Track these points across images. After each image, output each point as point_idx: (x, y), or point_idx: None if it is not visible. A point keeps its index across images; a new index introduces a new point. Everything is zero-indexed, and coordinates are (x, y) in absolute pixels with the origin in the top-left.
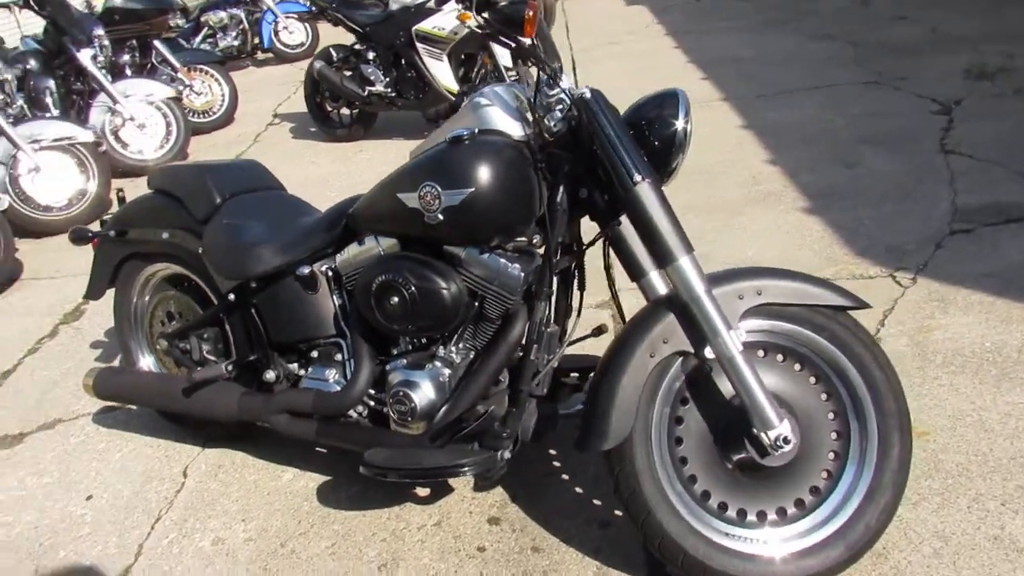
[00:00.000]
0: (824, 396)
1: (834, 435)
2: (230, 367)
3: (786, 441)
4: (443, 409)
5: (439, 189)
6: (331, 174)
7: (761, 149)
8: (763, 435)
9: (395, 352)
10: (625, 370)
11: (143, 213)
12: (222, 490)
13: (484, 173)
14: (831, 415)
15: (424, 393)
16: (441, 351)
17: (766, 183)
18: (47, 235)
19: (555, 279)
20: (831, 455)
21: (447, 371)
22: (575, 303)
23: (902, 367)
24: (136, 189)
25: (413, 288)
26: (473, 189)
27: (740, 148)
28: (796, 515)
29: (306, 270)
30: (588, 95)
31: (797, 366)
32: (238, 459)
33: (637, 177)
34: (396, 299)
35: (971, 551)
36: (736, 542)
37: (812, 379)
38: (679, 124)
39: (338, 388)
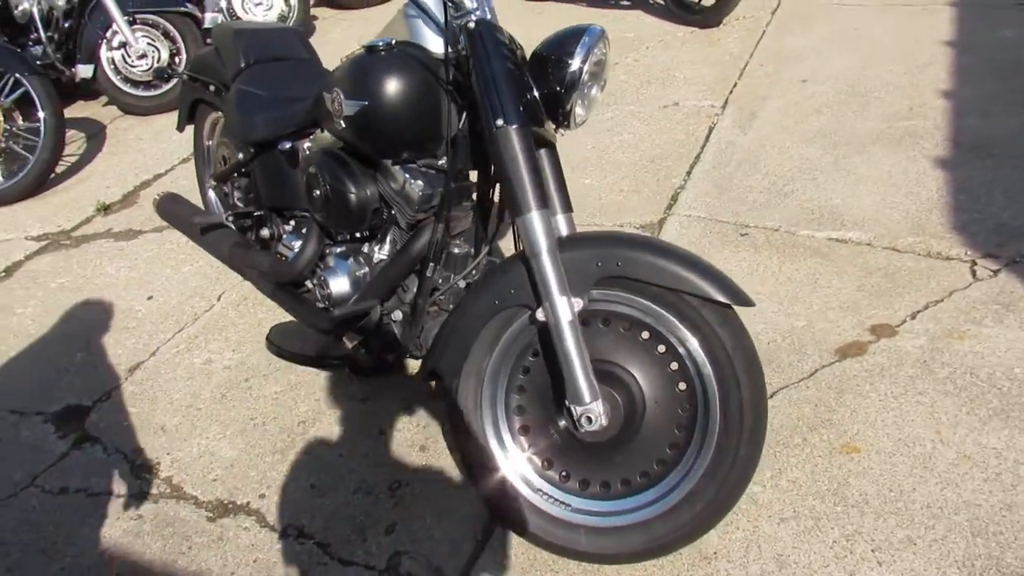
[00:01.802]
0: (681, 386)
1: (679, 429)
2: (230, 217)
3: (590, 421)
4: (351, 302)
5: (342, 97)
6: None
7: (946, 75)
8: (572, 408)
9: (339, 239)
10: (469, 311)
11: (203, 63)
12: (234, 320)
13: (382, 88)
14: (682, 408)
15: (340, 283)
16: (366, 248)
17: (919, 119)
18: None
19: (470, 204)
20: (671, 447)
21: (365, 269)
22: (491, 230)
23: (896, 370)
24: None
25: (328, 185)
26: (367, 102)
27: (922, 71)
28: (618, 493)
29: (287, 145)
30: (472, 25)
31: (660, 348)
32: (260, 296)
33: (499, 122)
34: (317, 192)
35: None
36: (544, 501)
37: (673, 365)
38: (574, 65)
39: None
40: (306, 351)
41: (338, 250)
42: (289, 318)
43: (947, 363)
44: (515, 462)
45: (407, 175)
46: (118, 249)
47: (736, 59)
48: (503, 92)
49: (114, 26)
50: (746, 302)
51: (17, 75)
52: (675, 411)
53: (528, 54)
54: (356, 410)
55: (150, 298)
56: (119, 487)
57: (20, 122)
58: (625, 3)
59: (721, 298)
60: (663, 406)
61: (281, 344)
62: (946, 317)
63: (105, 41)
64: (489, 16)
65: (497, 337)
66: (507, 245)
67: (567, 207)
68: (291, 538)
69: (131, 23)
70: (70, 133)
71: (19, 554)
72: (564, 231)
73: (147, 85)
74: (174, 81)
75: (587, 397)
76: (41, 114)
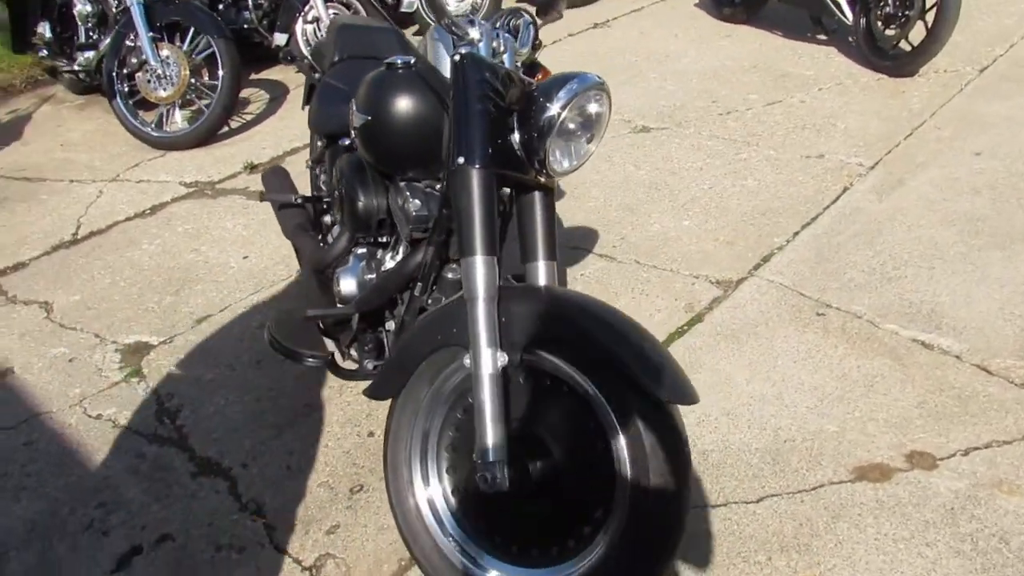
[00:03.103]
0: (604, 470)
1: (596, 513)
2: (299, 198)
3: (485, 480)
4: (351, 302)
5: (355, 108)
6: (674, 53)
7: None
8: (476, 460)
9: (367, 239)
10: (414, 341)
11: (318, 50)
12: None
13: (383, 105)
14: (601, 493)
15: (348, 282)
16: (379, 254)
17: None
18: None
19: None
20: (585, 529)
21: (372, 275)
22: None
23: (913, 510)
24: None
25: (344, 186)
26: (370, 118)
27: None
28: (523, 561)
29: (346, 142)
30: (457, 58)
31: (591, 424)
32: None
33: (460, 160)
34: (338, 192)
35: None
36: (453, 548)
37: (600, 445)
38: (552, 110)
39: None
40: (289, 343)
41: (359, 251)
42: None
43: (978, 517)
44: (435, 501)
45: (408, 192)
46: (243, 207)
47: (913, 116)
48: (471, 130)
49: (312, 1)
50: (682, 398)
51: (209, 36)
52: (594, 494)
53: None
54: (361, 407)
55: (245, 257)
56: (139, 425)
57: (206, 79)
58: (822, 37)
59: (649, 385)
60: (583, 485)
61: (273, 332)
62: (1005, 463)
63: (301, 14)
64: (505, 48)
65: (437, 372)
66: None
67: (550, 255)
68: (247, 512)
69: (327, 0)
70: (256, 92)
71: (42, 463)
72: (542, 280)
73: None
74: None
75: (490, 455)
76: (221, 73)
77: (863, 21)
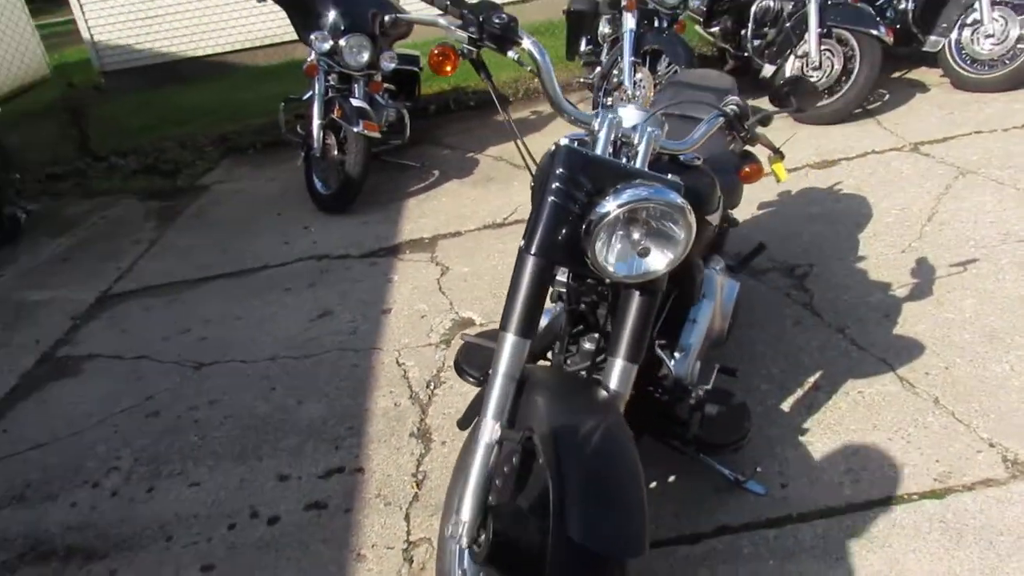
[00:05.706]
0: None
1: None
2: None
3: (450, 534)
4: None
5: None
6: None
7: None
8: (452, 512)
9: None
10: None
11: None
12: None
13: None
14: None
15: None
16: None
17: None
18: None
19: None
20: None
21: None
22: None
23: None
24: None
25: None
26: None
27: None
28: None
29: None
30: (553, 147)
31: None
32: None
33: (522, 243)
34: None
35: None
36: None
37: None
38: (606, 207)
39: None
40: (459, 359)
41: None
42: None
43: None
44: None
45: None
46: None
47: None
48: (536, 218)
49: (976, 4)
50: (603, 547)
51: (676, 65)
52: None
53: None
54: None
55: None
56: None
57: None
58: None
59: (570, 522)
60: None
61: (459, 350)
62: None
63: (960, 17)
64: (639, 140)
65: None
66: None
67: (631, 356)
68: (431, 387)
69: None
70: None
71: (351, 382)
72: (614, 379)
73: (990, 65)
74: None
75: (464, 513)
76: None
77: None
